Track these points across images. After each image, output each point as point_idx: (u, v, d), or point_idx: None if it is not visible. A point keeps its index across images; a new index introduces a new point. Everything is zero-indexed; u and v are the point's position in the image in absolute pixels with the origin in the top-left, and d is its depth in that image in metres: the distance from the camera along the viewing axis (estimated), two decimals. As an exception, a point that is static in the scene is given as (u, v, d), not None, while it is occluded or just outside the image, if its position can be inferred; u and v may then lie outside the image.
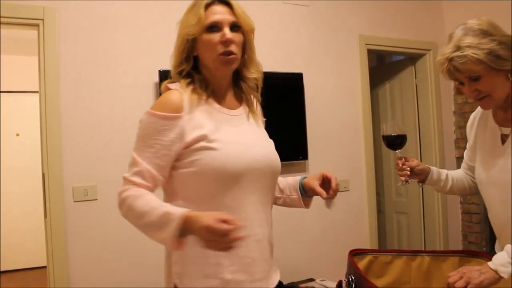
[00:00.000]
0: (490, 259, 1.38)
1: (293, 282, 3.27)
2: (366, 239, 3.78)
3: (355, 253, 1.65)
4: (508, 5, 3.55)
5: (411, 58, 4.25)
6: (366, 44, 3.83)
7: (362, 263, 1.65)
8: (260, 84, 1.51)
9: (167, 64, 1.46)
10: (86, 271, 2.74)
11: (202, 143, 1.30)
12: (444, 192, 1.82)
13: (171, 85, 1.39)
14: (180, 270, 1.35)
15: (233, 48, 1.34)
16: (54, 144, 2.69)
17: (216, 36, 1.34)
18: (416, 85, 4.25)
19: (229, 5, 1.38)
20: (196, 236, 1.17)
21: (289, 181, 1.58)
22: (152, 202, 1.26)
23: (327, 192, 1.45)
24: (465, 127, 1.77)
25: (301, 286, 3.19)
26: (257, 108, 1.57)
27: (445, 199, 4.08)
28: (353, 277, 1.47)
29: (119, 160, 2.64)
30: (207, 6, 1.36)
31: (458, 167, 1.86)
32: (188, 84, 1.38)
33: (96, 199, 2.77)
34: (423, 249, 4.14)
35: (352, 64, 3.79)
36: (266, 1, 3.42)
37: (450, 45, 1.42)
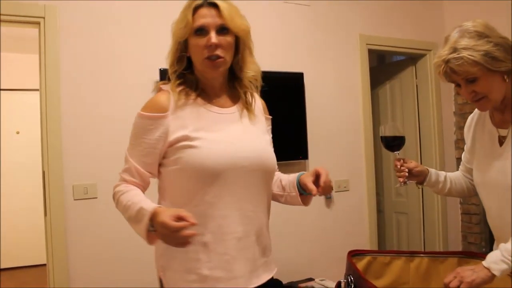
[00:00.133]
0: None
1: (292, 282, 3.27)
2: (365, 239, 3.78)
3: (354, 254, 1.65)
4: (508, 5, 3.55)
5: (412, 58, 4.25)
6: (366, 44, 3.83)
7: (361, 264, 1.65)
8: (257, 83, 1.51)
9: (168, 62, 1.47)
10: (86, 269, 2.75)
11: (184, 142, 1.35)
12: (442, 194, 1.83)
13: (163, 86, 1.44)
14: (163, 263, 1.41)
15: (219, 52, 1.36)
16: (55, 142, 2.70)
17: (202, 40, 1.36)
18: (416, 85, 4.25)
19: (218, 8, 1.37)
20: (158, 231, 1.22)
21: (290, 178, 1.58)
22: (135, 197, 1.34)
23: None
24: (465, 125, 1.78)
25: (300, 286, 3.20)
26: (258, 105, 1.57)
27: (445, 199, 4.08)
28: (352, 278, 1.48)
29: (119, 158, 2.60)
30: (196, 9, 1.37)
31: (458, 167, 1.86)
32: (179, 84, 1.42)
33: (96, 197, 2.78)
34: (423, 249, 4.15)
35: (352, 64, 3.79)
36: (267, 0, 3.42)
37: (447, 47, 1.43)
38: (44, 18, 2.69)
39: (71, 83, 2.76)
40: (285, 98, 3.38)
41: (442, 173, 1.80)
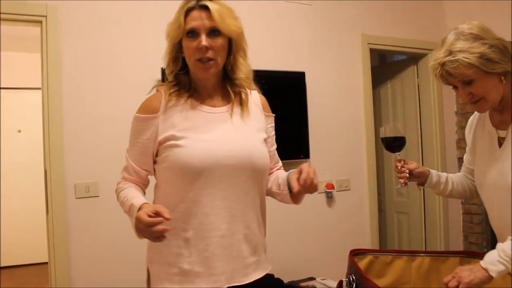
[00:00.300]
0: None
1: (293, 281, 3.27)
2: (367, 239, 3.78)
3: (356, 253, 1.65)
4: (509, 5, 3.54)
5: (413, 58, 4.25)
6: (368, 43, 3.83)
7: (362, 263, 1.65)
8: (247, 85, 1.54)
9: (170, 62, 1.48)
10: (88, 267, 2.75)
11: (171, 141, 1.40)
12: (444, 195, 1.82)
13: (159, 87, 1.50)
14: (151, 255, 1.50)
15: (210, 54, 1.39)
16: (56, 141, 2.70)
17: (193, 43, 1.39)
18: (418, 85, 4.25)
19: (209, 10, 1.38)
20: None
21: (284, 176, 1.58)
22: (130, 193, 1.44)
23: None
24: (466, 126, 1.78)
25: (301, 285, 3.20)
26: (257, 103, 1.59)
27: (446, 199, 4.07)
28: (353, 277, 1.48)
29: (120, 157, 2.60)
30: (187, 12, 1.40)
31: (460, 167, 1.86)
32: (173, 85, 1.47)
33: (98, 196, 2.79)
34: (424, 249, 4.14)
35: (354, 63, 3.79)
36: (269, 0, 3.42)
37: (442, 50, 1.44)
38: (46, 17, 2.70)
39: (73, 82, 2.76)
40: (286, 97, 3.38)
41: (444, 174, 1.79)
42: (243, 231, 1.45)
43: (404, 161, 1.71)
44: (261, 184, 1.51)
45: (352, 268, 1.52)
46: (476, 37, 1.40)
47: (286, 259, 3.41)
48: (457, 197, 1.87)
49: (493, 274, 1.31)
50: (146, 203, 1.36)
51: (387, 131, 1.74)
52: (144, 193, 1.53)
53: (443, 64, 1.42)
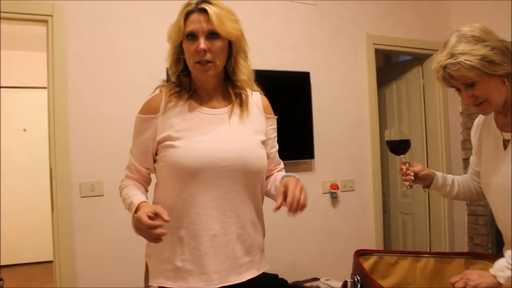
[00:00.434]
0: (495, 261, 1.39)
1: (298, 281, 3.27)
2: (371, 239, 3.77)
3: (361, 254, 1.65)
4: (514, 5, 3.53)
5: (418, 58, 4.24)
6: (373, 43, 3.83)
7: (367, 264, 1.65)
8: (249, 87, 1.56)
9: (176, 61, 1.50)
10: (92, 266, 2.76)
11: (168, 142, 1.45)
12: (450, 197, 1.81)
13: (162, 88, 1.54)
14: (149, 251, 1.55)
15: (208, 56, 1.41)
16: (62, 140, 2.71)
17: (193, 45, 1.42)
18: (423, 86, 4.24)
19: (207, 13, 1.41)
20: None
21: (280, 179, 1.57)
22: (130, 191, 1.50)
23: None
24: (471, 128, 1.77)
25: (306, 285, 3.20)
26: (258, 105, 1.60)
27: (451, 200, 4.06)
28: (358, 278, 1.48)
29: (125, 156, 2.62)
30: (187, 15, 1.44)
31: (465, 168, 1.85)
32: (174, 87, 1.51)
33: (103, 195, 2.79)
34: (428, 250, 4.13)
35: (359, 64, 3.78)
36: (273, 0, 3.42)
37: (444, 52, 1.43)
38: (52, 16, 2.71)
39: (78, 81, 2.77)
40: (291, 97, 3.38)
41: (450, 177, 1.78)
42: (237, 231, 1.47)
43: (409, 163, 1.70)
44: (255, 185, 1.53)
45: (357, 268, 1.52)
46: (477, 39, 1.39)
47: (291, 259, 3.41)
48: (464, 199, 1.86)
49: (501, 281, 1.30)
50: (145, 201, 1.42)
51: (392, 134, 1.74)
52: (147, 191, 1.58)
53: (445, 67, 1.41)
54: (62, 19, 2.73)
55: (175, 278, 1.45)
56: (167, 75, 2.80)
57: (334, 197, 3.61)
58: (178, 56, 1.49)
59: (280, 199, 1.36)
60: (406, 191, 4.26)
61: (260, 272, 1.60)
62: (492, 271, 1.33)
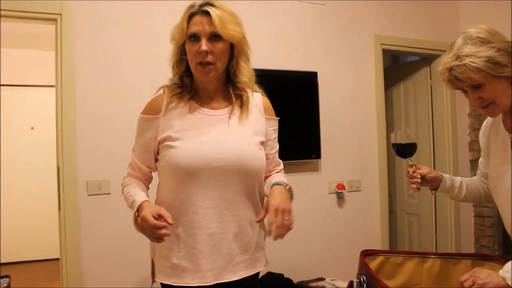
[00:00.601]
0: (503, 263, 1.38)
1: (303, 281, 3.27)
2: (377, 240, 3.77)
3: (367, 254, 1.64)
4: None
5: (426, 59, 4.22)
6: (381, 44, 3.81)
7: (373, 264, 1.65)
8: (250, 88, 1.59)
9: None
10: (99, 263, 2.77)
11: (167, 142, 1.49)
12: (458, 199, 1.79)
13: (164, 89, 1.58)
14: (153, 248, 1.60)
15: (210, 58, 1.45)
16: (69, 138, 2.72)
17: (195, 47, 1.45)
18: (430, 86, 4.22)
19: (210, 15, 1.44)
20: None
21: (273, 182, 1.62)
22: (132, 189, 1.55)
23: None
24: (479, 129, 1.76)
25: (311, 285, 3.20)
26: (259, 106, 1.62)
27: (457, 202, 4.04)
28: (364, 278, 1.47)
29: (132, 155, 2.66)
30: (190, 16, 1.47)
31: (472, 169, 1.84)
32: (176, 87, 1.55)
33: (110, 193, 2.80)
34: (434, 251, 4.11)
35: (366, 64, 3.77)
36: (282, 0, 3.43)
37: (450, 54, 1.42)
38: (61, 14, 2.72)
39: (87, 80, 2.79)
40: (298, 97, 3.38)
41: (458, 179, 1.77)
42: (234, 230, 1.51)
43: (415, 166, 1.70)
44: (253, 185, 1.56)
45: (363, 268, 1.51)
46: (483, 41, 1.38)
47: (296, 259, 3.41)
48: (472, 202, 1.85)
49: (510, 282, 1.29)
50: (147, 200, 1.47)
51: (398, 137, 1.74)
52: (148, 188, 1.63)
53: (450, 69, 1.41)
54: (71, 18, 2.74)
55: (171, 275, 1.50)
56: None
57: (340, 197, 3.60)
58: (181, 57, 1.52)
59: (263, 213, 1.44)
60: (413, 193, 4.24)
61: (258, 271, 1.62)
62: (501, 272, 1.32)
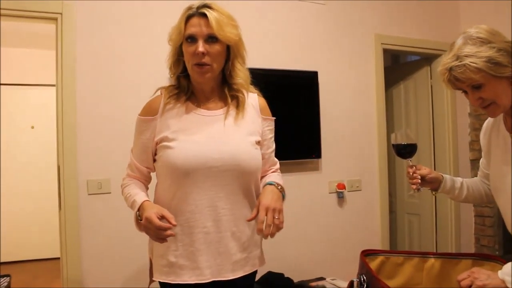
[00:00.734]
0: (503, 263, 1.37)
1: (303, 281, 3.27)
2: (377, 240, 3.77)
3: (367, 254, 1.64)
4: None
5: (427, 59, 4.22)
6: (382, 43, 3.81)
7: (373, 264, 1.64)
8: (246, 89, 1.61)
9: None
10: (99, 262, 2.78)
11: (164, 143, 1.52)
12: (459, 200, 1.79)
13: (162, 90, 1.61)
14: (151, 247, 1.63)
15: (206, 59, 1.47)
16: (70, 137, 2.72)
17: (192, 48, 1.48)
18: (431, 86, 4.22)
19: (207, 18, 1.47)
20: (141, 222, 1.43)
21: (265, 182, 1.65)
22: (132, 190, 1.58)
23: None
24: (480, 129, 1.75)
25: (311, 285, 3.20)
26: (255, 107, 1.64)
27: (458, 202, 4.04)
28: (365, 277, 1.47)
29: (133, 154, 2.66)
30: (188, 18, 1.49)
31: (472, 169, 1.84)
32: (173, 89, 1.58)
33: (110, 193, 2.80)
34: (435, 251, 4.11)
35: (367, 63, 3.77)
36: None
37: (450, 54, 1.42)
38: (61, 14, 2.72)
39: (87, 79, 2.79)
40: (299, 96, 3.37)
41: (458, 179, 1.76)
42: (231, 229, 1.53)
43: (416, 166, 1.69)
44: (249, 185, 1.58)
45: (364, 268, 1.51)
46: (483, 41, 1.37)
47: (296, 258, 3.41)
48: (473, 203, 1.84)
49: (510, 286, 1.28)
50: (147, 200, 1.51)
51: (398, 138, 1.73)
52: (147, 188, 1.66)
53: (450, 69, 1.40)
54: (72, 17, 2.74)
55: (168, 273, 1.53)
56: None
57: (340, 197, 3.60)
58: (178, 58, 1.54)
59: (255, 212, 1.47)
60: (414, 193, 4.24)
61: (255, 269, 1.65)
62: (500, 274, 1.30)
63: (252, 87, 1.65)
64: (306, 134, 3.41)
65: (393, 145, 1.75)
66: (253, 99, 1.65)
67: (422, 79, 4.27)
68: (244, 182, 1.55)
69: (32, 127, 5.68)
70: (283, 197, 1.56)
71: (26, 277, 5.00)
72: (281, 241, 3.32)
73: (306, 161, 3.44)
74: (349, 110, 3.68)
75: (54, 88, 2.82)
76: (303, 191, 3.42)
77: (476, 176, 1.82)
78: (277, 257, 3.28)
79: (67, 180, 2.71)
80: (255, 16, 3.31)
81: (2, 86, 5.41)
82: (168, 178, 1.52)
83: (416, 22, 4.01)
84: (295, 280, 3.22)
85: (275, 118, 1.70)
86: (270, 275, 3.10)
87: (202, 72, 1.49)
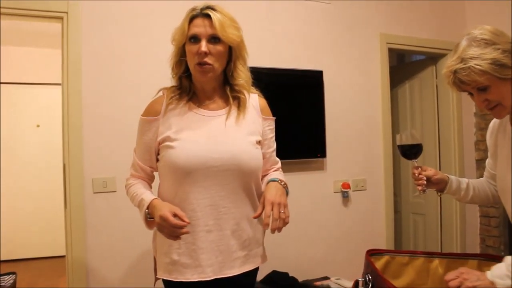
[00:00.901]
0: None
1: (308, 280, 3.27)
2: (382, 239, 3.76)
3: (372, 253, 1.64)
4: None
5: (432, 58, 4.20)
6: (387, 43, 3.80)
7: (379, 263, 1.64)
8: (246, 90, 1.63)
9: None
10: (104, 260, 2.78)
11: (166, 142, 1.54)
12: (464, 201, 1.77)
13: (164, 90, 1.63)
14: (154, 245, 1.66)
15: (208, 59, 1.50)
16: (75, 136, 2.73)
17: (195, 48, 1.51)
18: (436, 85, 4.20)
19: (211, 18, 1.50)
20: (155, 220, 1.46)
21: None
22: (138, 189, 1.61)
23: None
24: (485, 129, 1.74)
25: (316, 284, 3.19)
26: (255, 107, 1.66)
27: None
28: (370, 277, 1.47)
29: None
30: (192, 19, 1.53)
31: (478, 169, 1.83)
32: (175, 89, 1.61)
33: (115, 191, 2.81)
34: (440, 251, 4.10)
35: (372, 63, 3.76)
36: (287, -2, 3.42)
37: (455, 57, 1.40)
38: (67, 13, 2.73)
39: (93, 78, 2.79)
40: (304, 96, 3.37)
41: (464, 180, 1.75)
42: (231, 227, 1.56)
43: (421, 167, 1.69)
44: (250, 184, 1.60)
45: (369, 267, 1.51)
46: (488, 43, 1.36)
47: (301, 258, 3.41)
48: (479, 204, 1.82)
49: None
50: (156, 198, 1.54)
51: (403, 138, 1.72)
52: (151, 187, 1.68)
53: (455, 72, 1.39)
54: (77, 17, 2.75)
55: (172, 270, 1.55)
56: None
57: (345, 197, 3.60)
58: (180, 58, 1.57)
59: (260, 208, 1.50)
60: (419, 194, 4.22)
61: (256, 266, 1.67)
62: (490, 276, 1.27)
63: (252, 88, 1.67)
64: (311, 134, 3.40)
65: (398, 146, 1.74)
66: (254, 100, 1.68)
67: (427, 79, 4.26)
68: (245, 182, 1.57)
69: (38, 126, 5.70)
70: (287, 193, 1.59)
71: (31, 274, 5.03)
72: (286, 240, 3.32)
73: (311, 160, 3.44)
74: (354, 110, 3.67)
75: (59, 87, 2.83)
76: (308, 191, 3.42)
77: (482, 176, 1.81)
78: (281, 256, 3.28)
79: (72, 178, 2.72)
80: (261, 15, 3.31)
81: (8, 84, 5.43)
82: (170, 178, 1.55)
83: (421, 22, 4.00)
84: (300, 279, 3.22)
85: (275, 118, 1.73)
86: (274, 274, 3.10)
87: (204, 71, 1.52)
